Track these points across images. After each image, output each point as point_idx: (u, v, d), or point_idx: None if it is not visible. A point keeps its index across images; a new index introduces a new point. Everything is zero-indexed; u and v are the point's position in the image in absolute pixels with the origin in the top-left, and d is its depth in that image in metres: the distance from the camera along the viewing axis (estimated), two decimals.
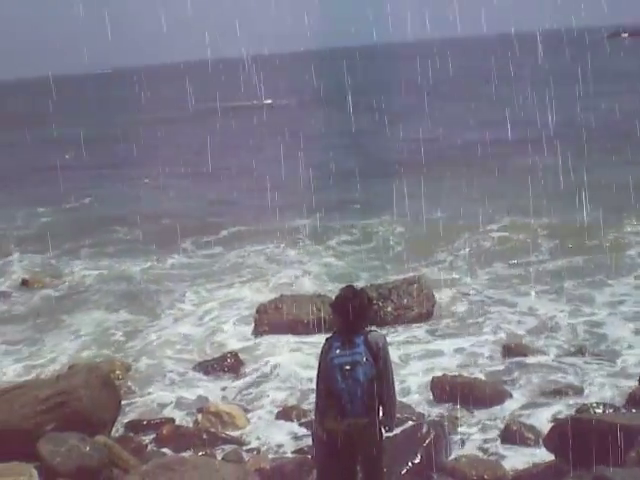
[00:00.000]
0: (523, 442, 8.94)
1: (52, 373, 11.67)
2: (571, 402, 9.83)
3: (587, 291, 14.16)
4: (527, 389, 10.44)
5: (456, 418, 9.65)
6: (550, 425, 8.80)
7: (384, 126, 34.70)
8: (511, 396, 10.19)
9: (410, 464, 8.25)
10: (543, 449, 8.42)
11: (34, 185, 30.17)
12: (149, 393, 11.24)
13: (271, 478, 8.34)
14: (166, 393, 11.20)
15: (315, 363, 6.60)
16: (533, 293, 14.27)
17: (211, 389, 11.24)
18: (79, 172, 31.69)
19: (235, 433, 9.77)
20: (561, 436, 7.87)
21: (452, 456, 8.72)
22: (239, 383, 11.39)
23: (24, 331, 14.35)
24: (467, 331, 12.75)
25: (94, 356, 12.78)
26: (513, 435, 9.06)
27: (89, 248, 20.14)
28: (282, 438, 9.59)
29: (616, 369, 10.87)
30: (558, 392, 10.14)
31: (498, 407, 9.91)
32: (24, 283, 17.15)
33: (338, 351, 6.21)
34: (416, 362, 11.61)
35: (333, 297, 6.75)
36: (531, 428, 9.16)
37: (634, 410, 9.32)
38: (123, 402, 10.11)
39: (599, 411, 9.24)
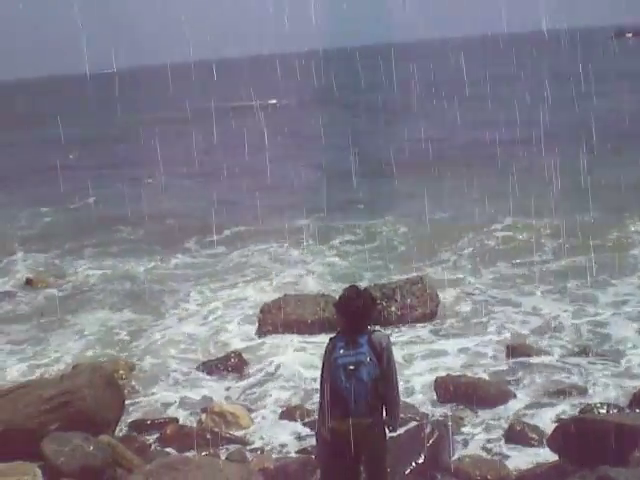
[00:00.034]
0: (527, 442, 8.93)
1: (56, 373, 11.69)
2: (575, 402, 9.82)
3: (591, 291, 14.14)
4: (531, 389, 10.43)
5: (460, 418, 9.65)
6: (554, 425, 8.79)
7: (387, 126, 34.73)
8: (515, 396, 10.18)
9: (414, 464, 8.24)
10: (547, 449, 8.39)
11: (37, 185, 30.22)
12: (153, 393, 11.26)
13: (275, 478, 8.34)
14: (170, 393, 11.21)
15: (319, 363, 6.60)
16: (539, 293, 14.26)
17: (215, 389, 11.25)
18: (82, 172, 31.69)
19: (239, 433, 9.77)
20: (565, 436, 7.87)
21: (456, 456, 8.71)
22: (243, 383, 11.40)
23: (28, 331, 14.38)
24: (471, 331, 12.74)
25: (98, 356, 12.81)
26: (517, 435, 9.06)
27: (93, 248, 20.17)
28: (286, 438, 9.59)
29: (620, 369, 10.86)
30: (562, 392, 10.13)
31: (502, 407, 9.90)
32: (28, 283, 17.19)
33: (342, 351, 6.21)
34: (420, 362, 11.61)
35: (337, 297, 6.75)
36: (535, 428, 9.15)
37: (638, 410, 9.32)
38: (127, 402, 10.14)
39: (603, 411, 9.23)
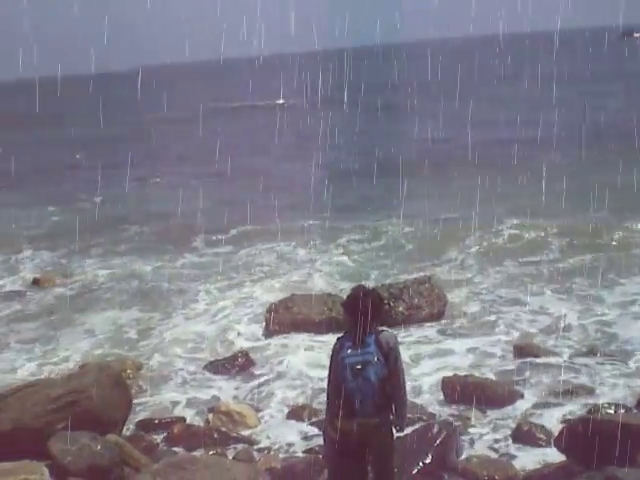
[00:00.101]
0: (534, 442, 8.91)
1: (65, 372, 11.71)
2: (582, 402, 9.79)
3: (598, 290, 14.09)
4: (538, 389, 10.40)
5: (467, 418, 9.64)
6: (561, 425, 8.78)
7: (394, 126, 34.69)
8: (522, 396, 10.16)
9: (421, 464, 8.24)
10: (554, 449, 8.36)
11: (45, 184, 30.29)
12: (160, 392, 11.27)
13: (282, 477, 8.33)
14: (177, 392, 11.22)
15: (326, 362, 6.60)
16: (546, 292, 14.22)
17: (222, 388, 11.26)
18: (89, 172, 31.73)
19: (246, 432, 9.78)
20: (572, 436, 7.85)
21: (463, 456, 8.71)
22: (250, 382, 11.39)
23: (37, 329, 14.42)
24: (478, 331, 12.72)
25: (107, 354, 12.84)
26: (524, 435, 9.04)
27: (100, 247, 20.21)
28: (293, 437, 9.59)
29: (628, 369, 10.82)
30: (570, 392, 10.09)
31: (509, 407, 9.88)
32: (35, 282, 17.23)
33: (349, 351, 6.21)
34: (427, 362, 11.59)
35: (344, 296, 6.75)
36: (542, 428, 9.13)
37: None
38: (134, 401, 10.14)
39: (611, 411, 9.19)
